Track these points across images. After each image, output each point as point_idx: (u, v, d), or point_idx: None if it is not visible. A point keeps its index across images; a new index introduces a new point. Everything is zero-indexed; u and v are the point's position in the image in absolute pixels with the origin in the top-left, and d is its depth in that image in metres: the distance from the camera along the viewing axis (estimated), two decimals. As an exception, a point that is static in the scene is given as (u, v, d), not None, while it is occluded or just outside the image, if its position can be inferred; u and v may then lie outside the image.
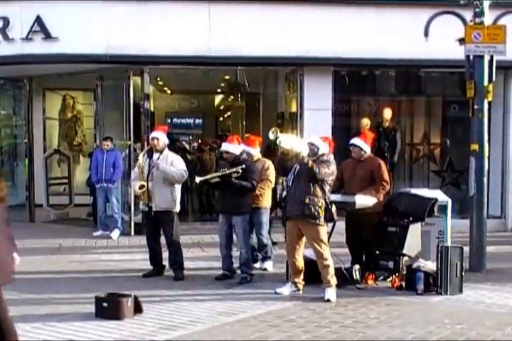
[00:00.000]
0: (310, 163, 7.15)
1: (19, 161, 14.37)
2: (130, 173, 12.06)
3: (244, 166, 8.05)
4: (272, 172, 8.81)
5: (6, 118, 14.84)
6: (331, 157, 7.48)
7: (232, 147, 8.28)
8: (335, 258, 7.79)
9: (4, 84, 14.47)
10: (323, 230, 7.33)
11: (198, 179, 8.20)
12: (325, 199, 7.26)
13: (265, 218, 8.77)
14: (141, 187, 8.36)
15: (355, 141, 8.35)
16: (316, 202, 7.20)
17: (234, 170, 7.99)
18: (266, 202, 8.75)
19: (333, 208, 7.35)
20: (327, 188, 7.32)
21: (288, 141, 7.32)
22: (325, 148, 7.46)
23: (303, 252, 7.55)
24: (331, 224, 7.68)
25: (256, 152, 8.82)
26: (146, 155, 8.57)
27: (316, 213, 7.18)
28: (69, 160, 14.37)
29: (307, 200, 7.19)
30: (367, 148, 8.35)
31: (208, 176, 8.23)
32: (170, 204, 8.37)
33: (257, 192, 8.51)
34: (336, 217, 7.43)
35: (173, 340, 5.85)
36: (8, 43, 11.64)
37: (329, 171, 7.26)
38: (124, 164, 12.04)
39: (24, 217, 13.11)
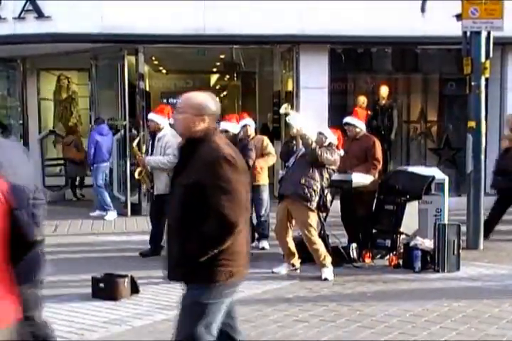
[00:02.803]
0: (314, 144, 7.12)
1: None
2: (126, 154, 12.05)
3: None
4: (271, 147, 8.88)
5: (0, 99, 14.70)
6: (337, 151, 7.41)
7: (231, 126, 8.24)
8: (332, 236, 7.80)
9: (-3, 65, 14.34)
10: (313, 216, 7.23)
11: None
12: (321, 185, 7.21)
13: (265, 195, 8.75)
14: (140, 173, 8.43)
15: (349, 119, 8.29)
16: (311, 184, 7.13)
17: None
18: (265, 179, 8.72)
19: (329, 197, 7.30)
20: (326, 176, 7.24)
21: (298, 119, 7.30)
22: (333, 139, 7.42)
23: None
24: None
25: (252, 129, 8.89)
26: (149, 135, 8.59)
27: (308, 195, 7.11)
28: (64, 141, 14.31)
29: (303, 181, 7.14)
30: (362, 126, 8.30)
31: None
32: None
33: (259, 168, 8.54)
34: (329, 206, 7.39)
35: (170, 320, 5.84)
36: (0, 23, 11.51)
37: (331, 158, 7.19)
38: (119, 144, 11.98)
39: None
